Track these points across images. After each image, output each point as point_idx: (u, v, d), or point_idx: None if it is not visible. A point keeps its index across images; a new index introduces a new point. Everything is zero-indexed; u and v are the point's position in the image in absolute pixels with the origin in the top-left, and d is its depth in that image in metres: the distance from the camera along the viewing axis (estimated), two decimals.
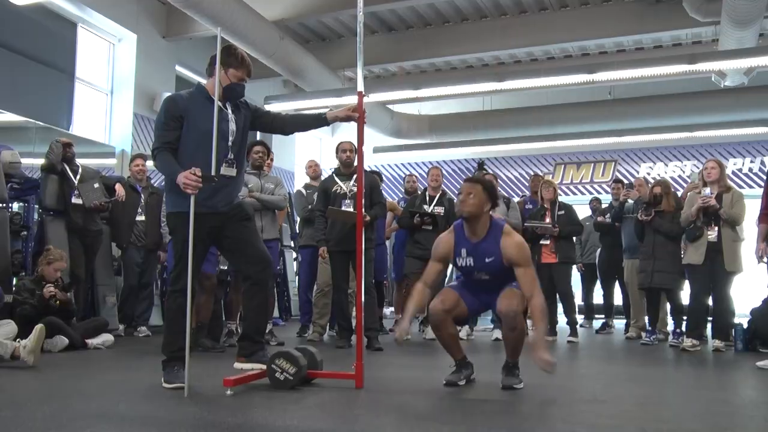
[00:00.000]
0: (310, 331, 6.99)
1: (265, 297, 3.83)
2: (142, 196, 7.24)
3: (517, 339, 3.69)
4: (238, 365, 3.74)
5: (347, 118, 3.83)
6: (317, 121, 3.90)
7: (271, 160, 6.73)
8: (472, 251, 3.76)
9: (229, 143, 3.65)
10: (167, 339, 3.62)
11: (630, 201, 7.81)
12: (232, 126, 3.67)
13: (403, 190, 9.02)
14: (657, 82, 10.55)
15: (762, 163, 12.43)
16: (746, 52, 8.96)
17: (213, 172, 3.46)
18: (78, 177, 6.71)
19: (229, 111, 3.69)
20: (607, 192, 11.33)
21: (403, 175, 9.59)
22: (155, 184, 7.64)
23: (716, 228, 6.15)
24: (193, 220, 3.42)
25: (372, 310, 6.22)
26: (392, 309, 10.21)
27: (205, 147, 3.48)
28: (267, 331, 6.69)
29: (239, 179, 3.80)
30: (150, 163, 8.33)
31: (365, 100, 3.90)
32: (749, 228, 6.16)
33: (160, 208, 6.86)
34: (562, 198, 8.16)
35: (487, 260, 3.72)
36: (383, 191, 7.22)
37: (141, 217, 7.17)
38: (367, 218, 5.67)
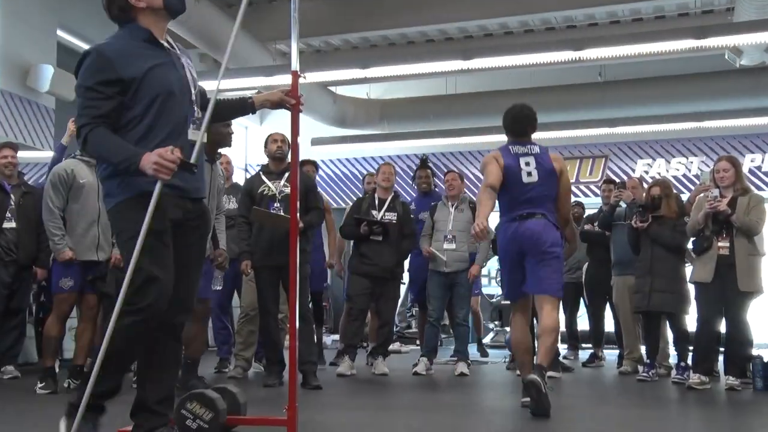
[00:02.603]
0: (232, 366, 6.92)
1: (178, 349, 3.49)
2: (12, 197, 7.03)
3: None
4: None
5: (279, 104, 3.73)
6: (241, 106, 3.72)
7: None
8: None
9: (193, 96, 3.35)
10: (100, 377, 3.09)
11: (622, 204, 7.90)
12: (191, 73, 3.38)
13: (350, 192, 8.99)
14: (658, 61, 10.77)
15: None
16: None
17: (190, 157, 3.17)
18: None
19: (178, 52, 3.39)
20: (596, 194, 11.53)
21: (347, 173, 9.57)
22: (30, 182, 7.44)
23: (728, 239, 6.25)
24: (154, 210, 3.04)
25: (309, 339, 6.23)
26: (335, 337, 10.17)
27: (168, 115, 3.17)
28: None
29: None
30: (25, 155, 8.12)
31: (302, 80, 3.89)
32: None
33: (38, 211, 6.65)
34: None
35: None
36: (321, 191, 7.16)
37: (10, 224, 6.96)
38: (301, 225, 5.61)
